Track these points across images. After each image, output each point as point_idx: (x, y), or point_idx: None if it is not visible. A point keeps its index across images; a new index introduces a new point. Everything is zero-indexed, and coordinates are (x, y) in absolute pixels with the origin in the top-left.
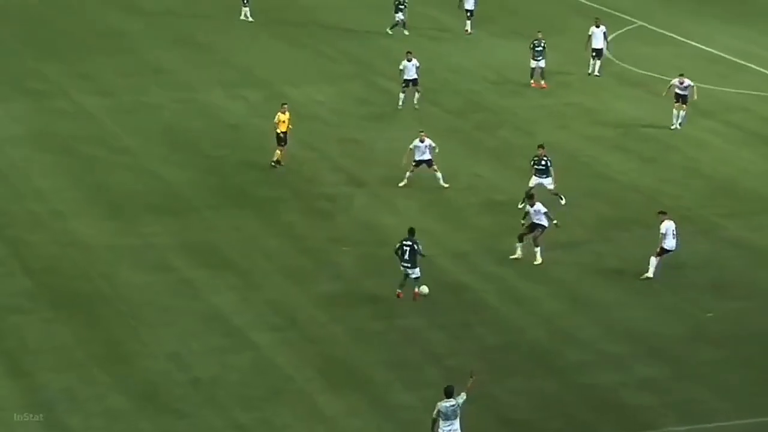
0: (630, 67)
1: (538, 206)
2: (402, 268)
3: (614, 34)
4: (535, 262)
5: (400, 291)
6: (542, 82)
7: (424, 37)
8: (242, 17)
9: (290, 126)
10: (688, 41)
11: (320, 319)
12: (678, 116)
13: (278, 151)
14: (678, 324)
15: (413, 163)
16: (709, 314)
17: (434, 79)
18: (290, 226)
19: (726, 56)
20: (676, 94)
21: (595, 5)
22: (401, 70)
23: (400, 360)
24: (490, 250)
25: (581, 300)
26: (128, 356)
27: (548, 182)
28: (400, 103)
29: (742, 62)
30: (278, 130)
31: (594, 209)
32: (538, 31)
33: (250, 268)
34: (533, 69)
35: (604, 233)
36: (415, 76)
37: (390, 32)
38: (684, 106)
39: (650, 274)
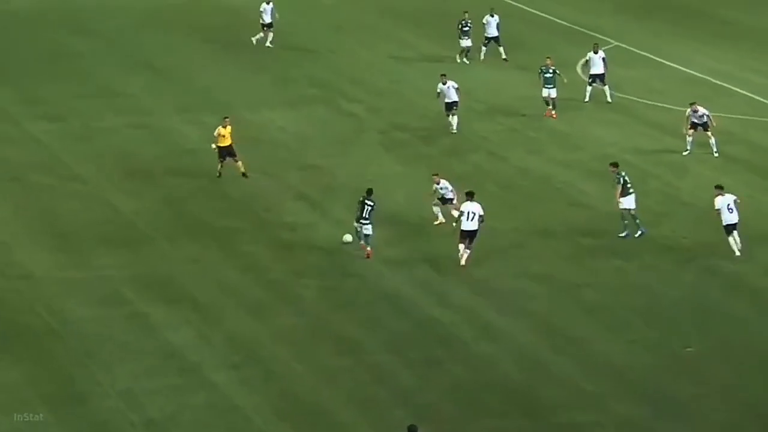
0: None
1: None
2: (357, 224)
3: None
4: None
5: (369, 249)
6: (553, 112)
7: (394, 58)
8: (267, 44)
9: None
10: (667, 62)
11: (282, 356)
12: (691, 143)
13: (220, 165)
14: (657, 358)
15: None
16: (688, 348)
17: (401, 102)
18: (250, 258)
19: (707, 78)
20: (693, 123)
21: (567, 23)
22: (438, 93)
23: (367, 399)
24: (461, 280)
25: (557, 333)
26: (79, 395)
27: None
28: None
29: (724, 84)
30: (220, 144)
31: (570, 238)
32: (547, 57)
33: (208, 302)
34: (546, 99)
35: (580, 262)
36: (456, 99)
37: (465, 61)
38: (708, 132)
39: (737, 252)
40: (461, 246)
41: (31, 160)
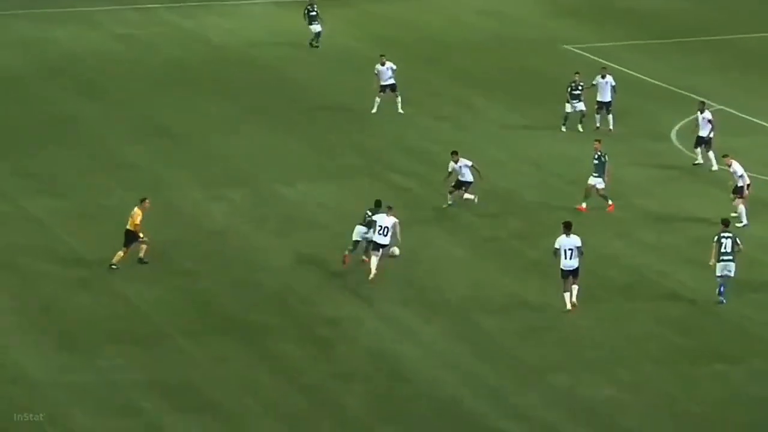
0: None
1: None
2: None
3: (686, 119)
4: None
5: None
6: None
7: (456, 125)
8: (399, 110)
9: (140, 232)
10: None
11: None
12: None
13: (122, 253)
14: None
15: None
16: None
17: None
18: (284, 358)
19: None
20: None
21: (659, 82)
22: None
23: None
24: (537, 387)
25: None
26: None
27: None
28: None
29: None
30: (129, 227)
31: (664, 338)
32: (576, 73)
33: (236, 411)
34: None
35: (676, 368)
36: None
37: (579, 129)
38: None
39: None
40: (566, 294)
41: (28, 243)
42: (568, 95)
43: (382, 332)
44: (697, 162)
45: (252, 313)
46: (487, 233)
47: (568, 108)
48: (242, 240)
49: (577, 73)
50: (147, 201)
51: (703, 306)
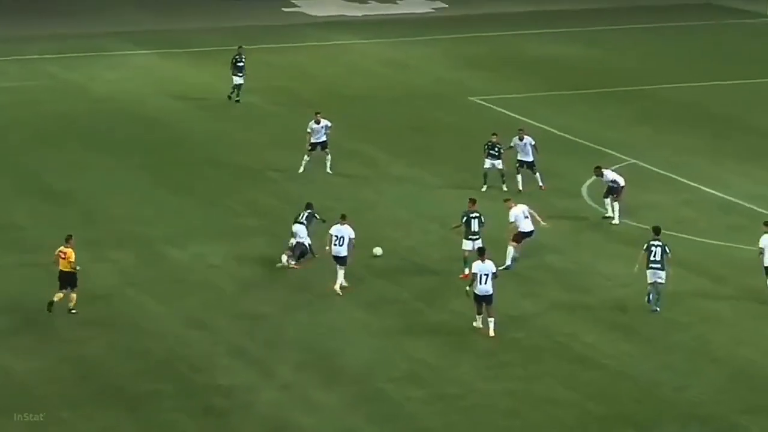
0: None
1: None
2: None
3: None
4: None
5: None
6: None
7: (355, 179)
8: (327, 170)
9: (76, 266)
10: (695, 185)
11: None
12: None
13: (60, 295)
14: None
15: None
16: None
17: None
18: (175, 430)
19: (742, 203)
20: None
21: (572, 137)
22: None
23: None
24: None
25: None
26: None
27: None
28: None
29: (763, 210)
30: (62, 269)
31: (576, 404)
32: (493, 134)
33: None
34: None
35: None
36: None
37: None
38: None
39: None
40: (479, 317)
41: None
42: (486, 153)
43: (278, 401)
44: (606, 215)
45: (140, 381)
46: (389, 294)
47: (487, 164)
48: (129, 304)
49: (494, 134)
50: (71, 240)
51: (615, 370)
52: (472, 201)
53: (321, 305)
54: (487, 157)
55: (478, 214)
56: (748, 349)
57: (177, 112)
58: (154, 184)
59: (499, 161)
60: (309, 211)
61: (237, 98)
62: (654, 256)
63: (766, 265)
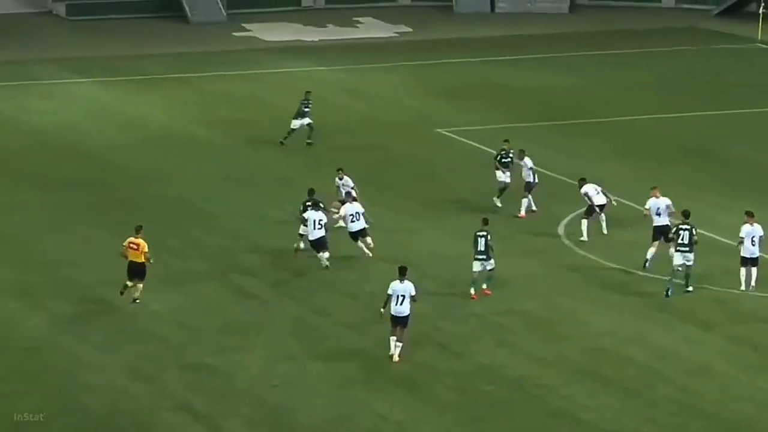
0: (597, 259)
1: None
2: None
3: (573, 213)
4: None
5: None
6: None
7: None
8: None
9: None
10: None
11: None
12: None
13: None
14: None
15: None
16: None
17: (314, 281)
18: None
19: (726, 241)
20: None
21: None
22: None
23: None
24: None
25: None
26: None
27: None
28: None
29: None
30: (132, 259)
31: None
32: (505, 140)
33: None
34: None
35: None
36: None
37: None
38: None
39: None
40: (393, 338)
41: None
42: (496, 164)
43: None
44: (582, 238)
45: None
46: (350, 344)
47: (500, 176)
48: (64, 356)
49: (506, 140)
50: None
51: (594, 425)
52: (485, 221)
53: (275, 356)
54: (497, 169)
55: (485, 233)
56: (741, 403)
57: (118, 147)
58: (94, 224)
59: (509, 173)
60: (313, 198)
61: (309, 140)
62: (683, 239)
63: (743, 255)
